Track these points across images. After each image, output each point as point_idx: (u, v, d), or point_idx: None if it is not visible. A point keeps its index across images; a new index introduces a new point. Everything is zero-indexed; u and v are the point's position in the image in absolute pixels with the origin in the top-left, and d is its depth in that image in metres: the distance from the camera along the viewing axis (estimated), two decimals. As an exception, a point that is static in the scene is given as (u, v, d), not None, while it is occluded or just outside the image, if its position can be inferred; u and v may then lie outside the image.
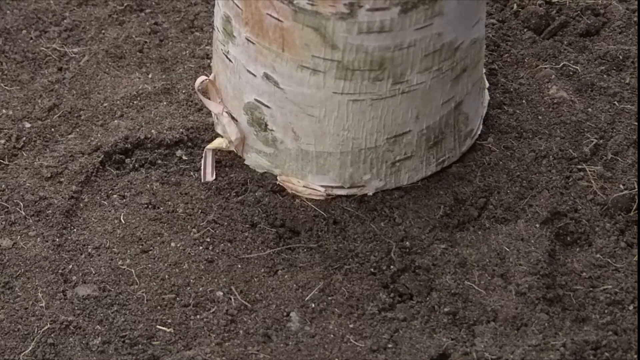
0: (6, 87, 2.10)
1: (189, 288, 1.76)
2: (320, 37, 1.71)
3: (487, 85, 2.03)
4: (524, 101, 2.04)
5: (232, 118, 1.89)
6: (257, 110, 1.84)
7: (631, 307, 1.73)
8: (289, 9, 1.70)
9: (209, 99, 1.94)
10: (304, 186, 1.86)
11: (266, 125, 1.84)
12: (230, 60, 1.85)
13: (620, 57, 2.11)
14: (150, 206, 1.88)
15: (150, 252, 1.81)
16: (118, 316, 1.72)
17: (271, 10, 1.72)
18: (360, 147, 1.81)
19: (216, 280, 1.77)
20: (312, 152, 1.83)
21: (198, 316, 1.72)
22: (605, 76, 2.08)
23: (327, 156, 1.83)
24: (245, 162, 1.92)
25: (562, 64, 2.11)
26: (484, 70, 2.02)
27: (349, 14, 1.68)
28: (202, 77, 1.94)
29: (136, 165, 1.94)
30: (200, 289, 1.76)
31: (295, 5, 1.69)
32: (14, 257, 1.80)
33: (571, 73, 2.09)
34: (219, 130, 1.96)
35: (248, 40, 1.78)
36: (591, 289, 1.75)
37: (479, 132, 1.95)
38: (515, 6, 2.22)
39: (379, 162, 1.83)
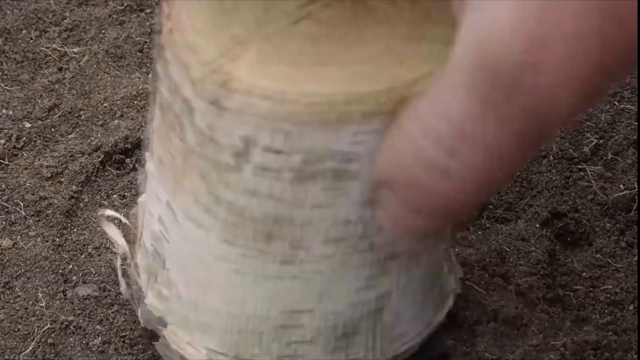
0: (6, 87, 2.10)
1: (189, 288, 1.76)
2: (205, 186, 1.22)
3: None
4: (524, 101, 2.04)
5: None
6: (159, 242, 1.38)
7: (631, 307, 1.73)
8: (181, 145, 1.24)
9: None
10: (187, 343, 1.39)
11: (164, 262, 1.38)
12: (147, 171, 1.45)
13: (620, 57, 2.11)
14: (150, 206, 1.88)
15: (150, 252, 1.81)
16: (118, 316, 1.72)
17: (168, 143, 1.27)
18: (249, 314, 1.29)
19: (216, 280, 1.77)
20: (200, 305, 1.34)
21: (198, 316, 1.72)
22: (605, 76, 2.08)
23: (213, 314, 1.32)
24: (145, 301, 1.49)
25: (562, 64, 2.11)
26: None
27: (234, 167, 1.18)
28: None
29: (136, 165, 1.95)
30: (201, 289, 1.75)
31: (187, 143, 1.22)
32: (14, 257, 1.80)
33: (571, 73, 2.09)
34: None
35: (160, 159, 1.33)
36: (591, 289, 1.75)
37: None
38: (515, 6, 2.22)
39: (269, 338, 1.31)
